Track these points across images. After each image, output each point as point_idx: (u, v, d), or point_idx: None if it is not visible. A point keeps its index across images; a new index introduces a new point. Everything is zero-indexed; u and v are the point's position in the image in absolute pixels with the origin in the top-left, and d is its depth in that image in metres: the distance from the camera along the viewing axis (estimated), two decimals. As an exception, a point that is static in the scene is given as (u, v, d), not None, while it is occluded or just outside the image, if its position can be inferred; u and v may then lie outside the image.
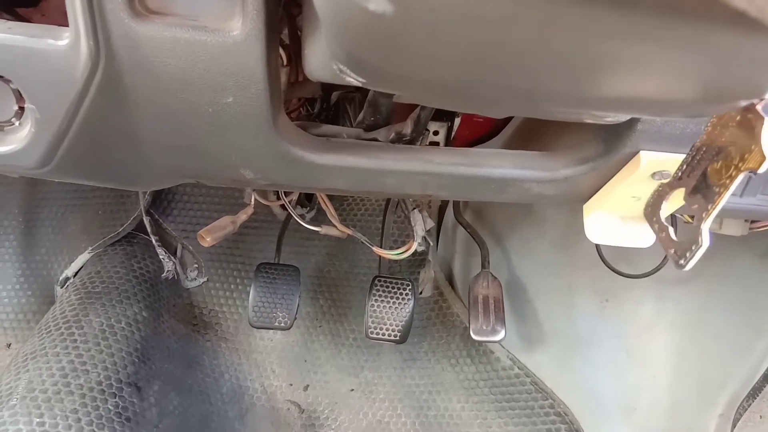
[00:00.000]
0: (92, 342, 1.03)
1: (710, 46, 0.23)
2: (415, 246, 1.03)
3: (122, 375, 1.02)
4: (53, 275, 1.34)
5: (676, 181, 0.45)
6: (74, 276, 1.26)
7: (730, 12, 0.16)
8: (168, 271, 1.28)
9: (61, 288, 1.28)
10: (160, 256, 1.29)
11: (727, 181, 0.40)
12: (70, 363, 0.98)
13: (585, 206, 0.66)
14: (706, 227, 0.41)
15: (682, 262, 0.43)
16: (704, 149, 0.42)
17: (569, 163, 0.61)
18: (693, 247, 0.41)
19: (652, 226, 0.49)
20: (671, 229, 0.46)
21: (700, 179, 0.43)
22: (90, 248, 1.28)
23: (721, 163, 0.40)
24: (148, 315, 1.17)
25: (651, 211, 0.49)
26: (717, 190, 0.40)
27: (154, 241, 1.29)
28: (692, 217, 0.44)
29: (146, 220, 1.29)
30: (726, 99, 0.34)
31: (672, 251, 0.44)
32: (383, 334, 1.11)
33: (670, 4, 0.18)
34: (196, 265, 1.36)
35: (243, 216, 1.06)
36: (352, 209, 1.42)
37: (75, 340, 1.02)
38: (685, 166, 0.44)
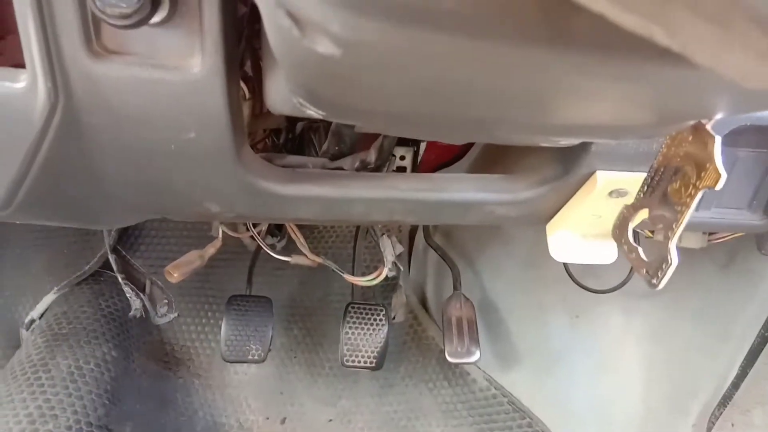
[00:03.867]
0: (60, 385, 1.00)
1: (645, 78, 0.24)
2: (385, 272, 1.03)
3: (92, 418, 0.99)
4: (18, 318, 1.31)
5: (639, 202, 0.47)
6: (40, 318, 1.23)
7: (657, 48, 0.16)
8: (135, 309, 1.26)
9: (27, 331, 1.24)
10: (127, 294, 1.26)
11: (688, 200, 0.41)
12: (38, 408, 0.95)
13: (548, 226, 0.67)
14: (673, 245, 0.42)
15: (654, 281, 0.44)
16: (662, 170, 0.44)
17: (530, 184, 0.62)
18: (663, 266, 0.43)
19: (620, 248, 0.50)
20: (641, 250, 0.47)
21: (661, 199, 0.44)
22: (55, 288, 1.25)
23: (680, 182, 0.42)
24: (118, 354, 1.15)
25: (619, 234, 0.51)
26: (679, 208, 0.42)
27: (120, 279, 1.26)
28: (653, 232, 0.45)
29: (112, 258, 1.27)
30: (672, 122, 0.36)
31: (644, 271, 0.45)
32: (359, 362, 1.11)
33: (599, 43, 0.19)
34: (166, 301, 1.34)
35: (211, 250, 1.05)
36: (323, 237, 1.42)
37: (42, 384, 0.99)
38: (646, 187, 0.46)
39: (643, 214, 0.48)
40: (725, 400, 1.06)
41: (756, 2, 0.12)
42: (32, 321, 1.24)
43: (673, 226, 0.43)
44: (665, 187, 0.44)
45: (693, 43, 0.15)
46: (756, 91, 0.19)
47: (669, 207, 0.43)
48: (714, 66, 0.16)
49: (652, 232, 0.46)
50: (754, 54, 0.13)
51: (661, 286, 0.44)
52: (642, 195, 0.47)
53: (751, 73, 0.15)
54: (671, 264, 0.42)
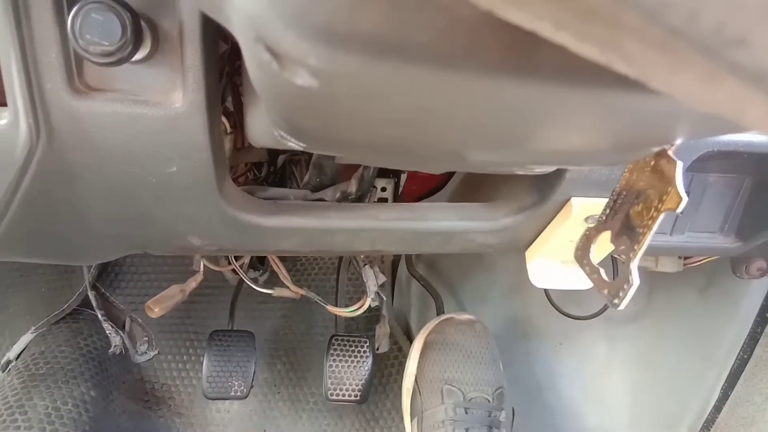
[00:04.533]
0: (37, 427, 0.97)
1: (609, 105, 0.25)
2: (368, 302, 1.03)
3: (70, 461, 0.96)
4: (-7, 360, 1.28)
5: (602, 224, 0.48)
6: (16, 358, 1.20)
7: (618, 76, 0.17)
8: (115, 346, 1.24)
9: (3, 372, 1.21)
10: (107, 331, 1.24)
11: (650, 222, 0.42)
12: (13, 452, 0.92)
13: (527, 252, 0.68)
14: (634, 266, 0.43)
15: (616, 301, 0.45)
16: (624, 193, 0.45)
17: (508, 212, 0.64)
18: (625, 286, 0.43)
19: (583, 268, 0.51)
20: (602, 271, 0.48)
21: (624, 221, 0.45)
22: (33, 328, 1.22)
23: (642, 205, 0.43)
24: (97, 394, 1.12)
25: (581, 255, 0.51)
26: (640, 231, 0.43)
27: (100, 316, 1.24)
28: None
29: (91, 295, 1.25)
30: (637, 148, 0.37)
31: (605, 291, 0.46)
32: (344, 395, 1.09)
33: (564, 73, 0.20)
34: (146, 338, 1.32)
35: (192, 284, 1.04)
36: (306, 269, 1.42)
37: (18, 427, 0.96)
38: (608, 210, 0.47)
39: (606, 237, 0.49)
40: (708, 423, 1.06)
41: (697, 33, 0.13)
42: (8, 362, 1.21)
43: (635, 247, 0.44)
44: (627, 209, 0.45)
45: (646, 69, 0.16)
46: (711, 116, 0.21)
47: (631, 229, 0.44)
48: (668, 90, 0.17)
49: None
50: (697, 77, 0.14)
51: (623, 306, 0.45)
52: (604, 217, 0.48)
53: (700, 96, 0.16)
54: (632, 284, 0.43)
